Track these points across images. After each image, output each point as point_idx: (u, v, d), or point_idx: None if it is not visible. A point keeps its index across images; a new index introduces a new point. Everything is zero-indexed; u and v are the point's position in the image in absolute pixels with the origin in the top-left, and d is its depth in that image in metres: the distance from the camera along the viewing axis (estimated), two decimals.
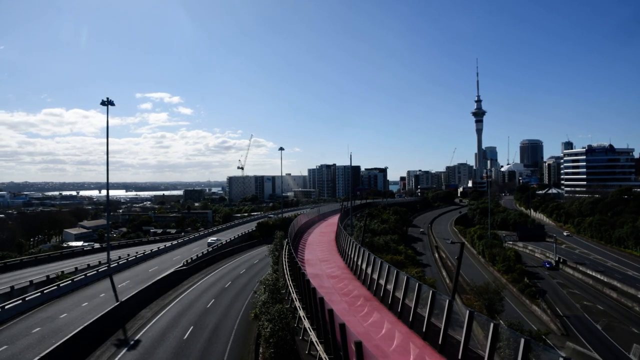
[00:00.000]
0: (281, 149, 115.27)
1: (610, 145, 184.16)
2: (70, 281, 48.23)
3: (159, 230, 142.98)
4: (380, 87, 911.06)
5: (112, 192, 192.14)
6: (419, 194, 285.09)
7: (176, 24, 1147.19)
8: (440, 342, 16.39)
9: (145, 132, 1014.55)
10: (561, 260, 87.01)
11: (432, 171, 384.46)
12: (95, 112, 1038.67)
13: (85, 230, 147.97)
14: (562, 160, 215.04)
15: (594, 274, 75.85)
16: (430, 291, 18.05)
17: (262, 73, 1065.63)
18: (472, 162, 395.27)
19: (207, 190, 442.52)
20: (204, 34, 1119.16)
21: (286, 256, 37.05)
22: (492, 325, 13.11)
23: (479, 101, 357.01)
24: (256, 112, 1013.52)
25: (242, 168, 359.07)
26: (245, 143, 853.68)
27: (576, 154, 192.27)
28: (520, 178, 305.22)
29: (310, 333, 19.77)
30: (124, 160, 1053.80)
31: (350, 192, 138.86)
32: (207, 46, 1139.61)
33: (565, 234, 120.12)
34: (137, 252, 71.55)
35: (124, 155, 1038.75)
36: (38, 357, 26.05)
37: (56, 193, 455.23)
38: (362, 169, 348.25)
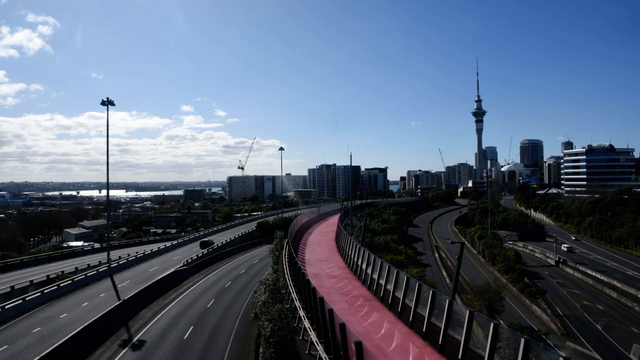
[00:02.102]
0: (281, 149, 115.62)
1: (610, 145, 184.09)
2: (70, 281, 48.26)
3: (159, 230, 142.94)
4: (381, 88, 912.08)
5: (112, 192, 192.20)
6: (419, 194, 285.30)
7: (220, 40, 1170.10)
8: (440, 342, 16.39)
9: (177, 133, 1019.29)
10: (561, 260, 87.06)
11: (432, 171, 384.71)
12: (136, 114, 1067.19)
13: (85, 230, 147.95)
14: (562, 160, 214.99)
15: (594, 273, 75.83)
16: (431, 291, 18.06)
17: (273, 76, 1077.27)
18: (472, 162, 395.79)
19: (207, 190, 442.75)
20: (237, 47, 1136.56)
21: (286, 256, 37.04)
22: (492, 325, 13.11)
23: (479, 101, 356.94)
24: (275, 114, 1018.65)
25: (242, 168, 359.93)
26: (263, 144, 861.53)
27: (576, 154, 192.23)
28: (520, 178, 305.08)
29: (310, 333, 19.76)
30: (129, 160, 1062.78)
31: (350, 192, 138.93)
32: (236, 55, 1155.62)
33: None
34: (137, 252, 71.57)
35: (138, 155, 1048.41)
36: (38, 357, 26.05)
37: (56, 193, 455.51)
38: (362, 169, 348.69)
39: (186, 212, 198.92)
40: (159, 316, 39.11)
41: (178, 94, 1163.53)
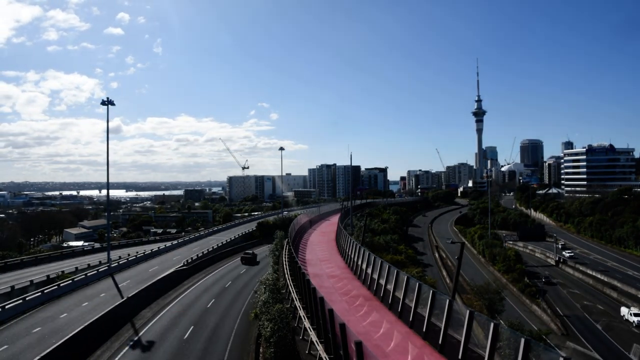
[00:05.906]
0: (281, 149, 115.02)
1: (611, 145, 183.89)
2: (70, 281, 48.23)
3: (159, 230, 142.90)
4: (381, 88, 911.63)
5: (113, 192, 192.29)
6: (419, 193, 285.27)
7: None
8: (440, 341, 16.40)
9: (219, 134, 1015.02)
10: (561, 260, 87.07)
11: (432, 171, 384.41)
12: (205, 118, 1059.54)
13: (85, 230, 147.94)
14: (562, 160, 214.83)
15: (594, 273, 75.83)
16: (431, 291, 18.08)
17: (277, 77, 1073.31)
18: (472, 162, 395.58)
19: (208, 190, 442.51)
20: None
21: (286, 256, 37.09)
22: (492, 325, 13.12)
23: (479, 101, 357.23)
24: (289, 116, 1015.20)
25: (247, 167, 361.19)
26: (288, 144, 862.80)
27: (576, 154, 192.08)
28: (520, 178, 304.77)
29: (310, 333, 19.79)
30: (142, 161, 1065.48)
31: (350, 192, 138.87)
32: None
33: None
34: (137, 252, 71.52)
35: (155, 156, 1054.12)
36: (38, 357, 26.04)
37: (56, 193, 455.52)
38: (363, 168, 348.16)
39: (186, 212, 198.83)
40: (159, 316, 39.10)
41: (248, 100, 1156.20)
